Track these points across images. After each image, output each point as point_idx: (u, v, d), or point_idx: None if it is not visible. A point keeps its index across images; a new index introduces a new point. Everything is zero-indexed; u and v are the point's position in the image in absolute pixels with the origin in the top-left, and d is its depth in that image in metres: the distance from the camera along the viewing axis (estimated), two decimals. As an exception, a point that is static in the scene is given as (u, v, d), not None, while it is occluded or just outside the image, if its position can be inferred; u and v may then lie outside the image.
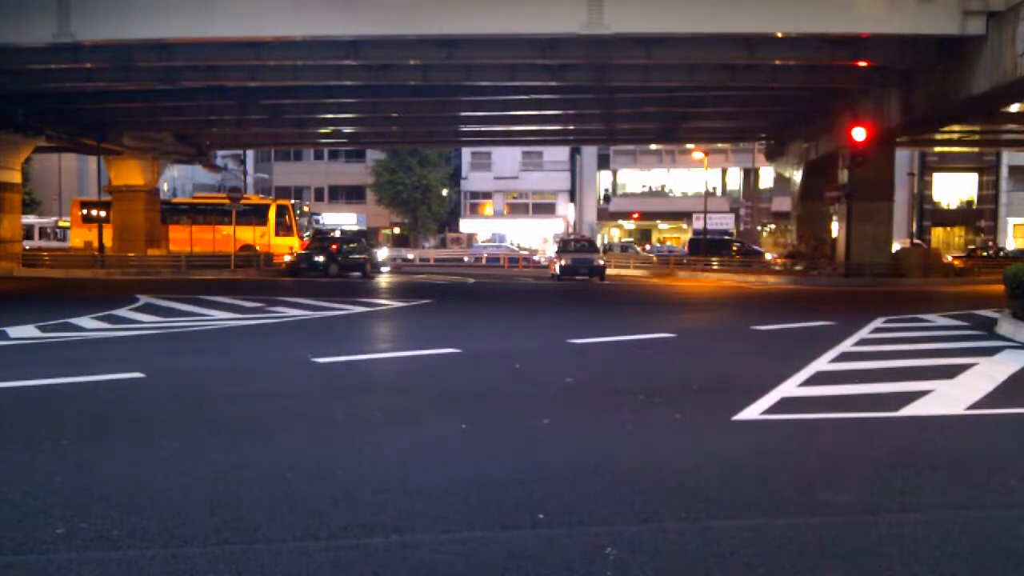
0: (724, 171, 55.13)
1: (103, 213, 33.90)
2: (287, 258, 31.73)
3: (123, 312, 14.55)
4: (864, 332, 11.81)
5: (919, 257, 30.00)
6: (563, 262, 28.80)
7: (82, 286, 22.35)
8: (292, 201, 42.04)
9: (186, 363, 9.43)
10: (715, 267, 33.95)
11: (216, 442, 5.84)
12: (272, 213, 36.24)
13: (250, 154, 55.20)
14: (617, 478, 4.95)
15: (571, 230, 51.64)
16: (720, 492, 4.70)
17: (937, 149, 43.81)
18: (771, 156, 36.79)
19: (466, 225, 55.46)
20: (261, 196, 46.55)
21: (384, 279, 28.08)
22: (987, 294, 19.46)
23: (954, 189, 49.52)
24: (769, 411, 6.65)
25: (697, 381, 8.48)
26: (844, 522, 4.21)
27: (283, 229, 35.90)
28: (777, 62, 20.68)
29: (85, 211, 36.58)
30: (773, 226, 52.68)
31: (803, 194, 32.66)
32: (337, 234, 36.37)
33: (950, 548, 3.94)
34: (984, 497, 4.71)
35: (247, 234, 34.38)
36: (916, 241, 42.56)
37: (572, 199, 56.80)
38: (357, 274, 29.06)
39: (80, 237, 36.37)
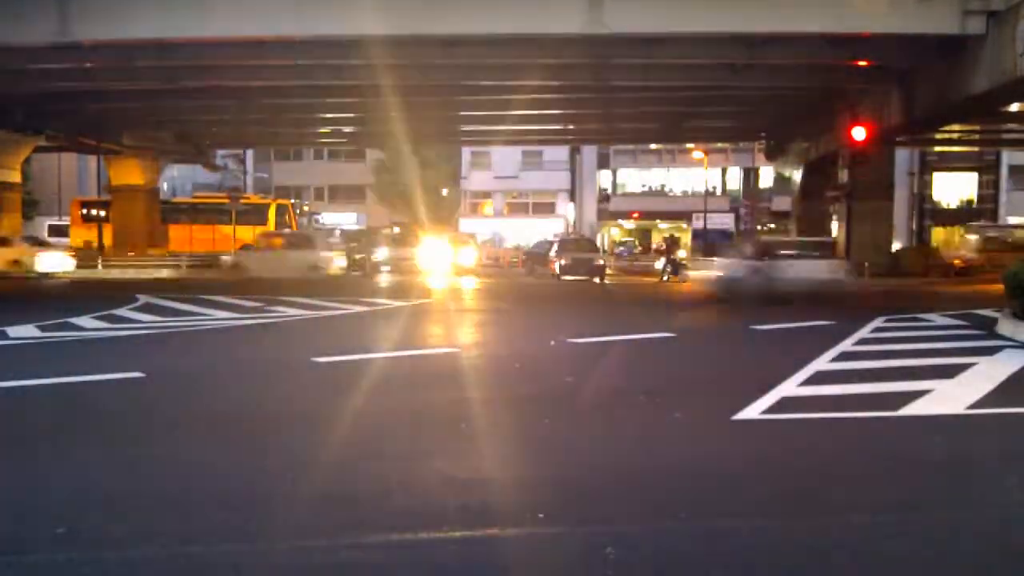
0: (724, 171, 55.08)
1: (103, 213, 33.92)
2: None
3: (123, 312, 14.54)
4: (864, 332, 11.80)
5: (919, 257, 30.01)
6: (563, 262, 28.78)
7: (82, 285, 22.33)
8: (292, 200, 42.03)
9: (186, 363, 9.43)
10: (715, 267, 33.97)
11: (216, 442, 5.84)
12: (272, 212, 36.24)
13: (250, 154, 55.19)
14: (617, 478, 4.96)
15: (571, 229, 51.61)
16: (720, 492, 4.70)
17: (937, 148, 43.77)
18: (771, 156, 36.77)
19: (466, 225, 55.43)
20: (261, 195, 46.55)
21: (385, 278, 28.08)
22: (987, 294, 19.44)
23: (954, 188, 49.47)
24: (769, 411, 6.65)
25: (697, 381, 8.48)
26: (844, 522, 4.21)
27: (283, 229, 35.91)
28: (777, 62, 20.67)
29: (85, 211, 36.57)
30: (773, 225, 52.66)
31: (803, 194, 32.65)
32: (338, 233, 36.38)
33: (950, 548, 3.94)
34: (984, 497, 4.72)
35: (247, 234, 34.38)
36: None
37: (572, 199, 56.77)
38: (358, 273, 29.09)
39: (80, 237, 36.36)
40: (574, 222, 55.64)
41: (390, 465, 5.23)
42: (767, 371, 8.26)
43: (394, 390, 7.91)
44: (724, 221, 49.27)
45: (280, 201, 39.01)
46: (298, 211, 42.74)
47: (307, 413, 6.72)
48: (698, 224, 48.12)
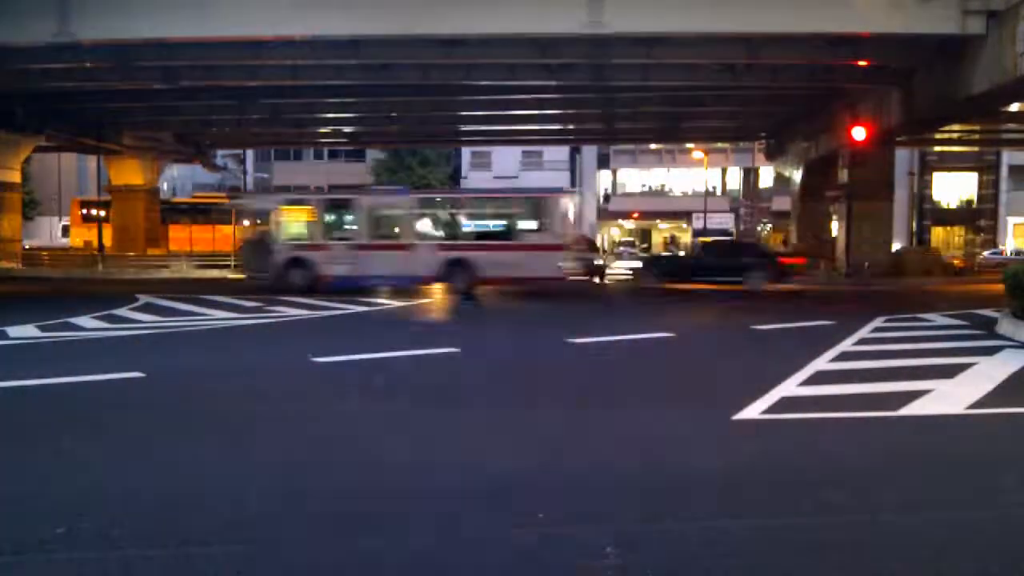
0: (724, 170, 55.09)
1: (103, 213, 33.93)
2: None
3: (123, 312, 14.54)
4: (864, 332, 11.81)
5: (919, 257, 30.02)
6: None
7: (82, 285, 22.33)
8: None
9: (186, 363, 9.43)
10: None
11: (216, 442, 5.84)
12: None
13: (250, 153, 55.11)
14: (617, 478, 4.96)
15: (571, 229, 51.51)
16: (720, 492, 4.70)
17: (937, 148, 43.77)
18: (771, 156, 36.76)
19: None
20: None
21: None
22: (987, 293, 19.45)
23: (954, 188, 49.46)
24: (769, 411, 6.65)
25: (697, 381, 8.48)
26: (844, 522, 4.21)
27: None
28: (777, 62, 20.67)
29: (85, 211, 36.58)
30: (771, 226, 52.68)
31: (803, 194, 32.63)
32: None
33: (950, 548, 3.94)
34: (984, 497, 4.71)
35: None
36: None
37: (572, 199, 56.75)
38: None
39: (80, 236, 36.38)
40: (574, 222, 55.58)
41: (390, 465, 5.23)
42: (767, 371, 8.27)
43: (394, 390, 7.90)
44: (724, 221, 49.30)
45: None
46: None
47: (307, 413, 6.72)
48: (698, 224, 48.11)
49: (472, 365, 9.38)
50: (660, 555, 3.79)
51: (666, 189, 56.59)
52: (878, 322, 13.05)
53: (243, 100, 26.44)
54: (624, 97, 26.84)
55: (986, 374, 8.26)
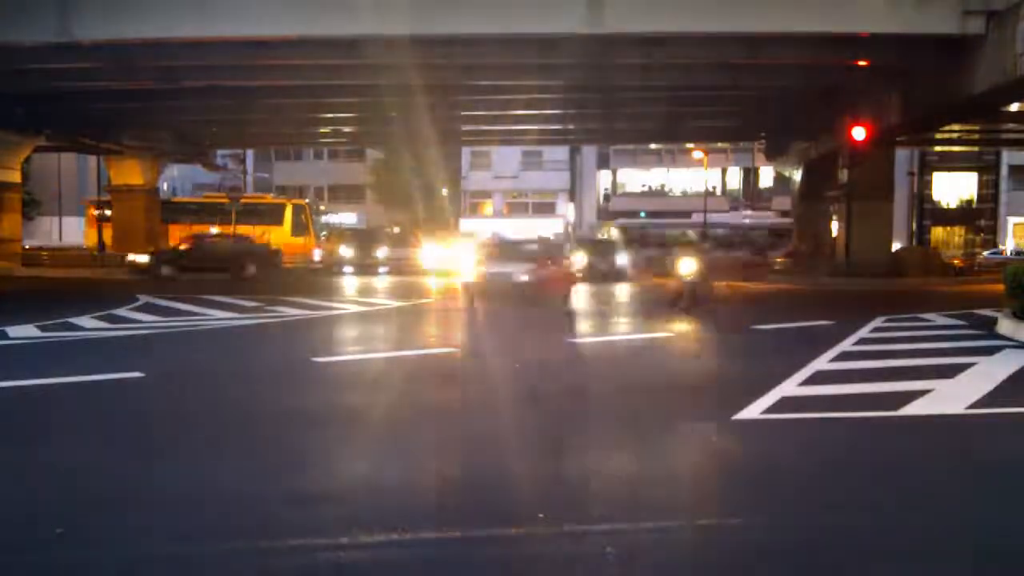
0: (724, 170, 55.09)
1: (107, 212, 34.03)
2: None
3: (123, 312, 14.53)
4: (864, 331, 11.81)
5: (919, 257, 30.03)
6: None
7: (82, 285, 22.33)
8: (307, 200, 42.22)
9: (186, 363, 9.43)
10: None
11: (216, 442, 5.84)
12: (288, 213, 36.45)
13: (250, 153, 55.17)
14: (617, 478, 4.96)
15: (570, 230, 51.59)
16: (720, 492, 4.70)
17: (937, 148, 43.77)
18: (771, 156, 36.74)
19: (466, 225, 55.48)
20: (273, 195, 46.81)
21: (385, 278, 28.05)
22: (987, 293, 19.45)
23: (954, 188, 49.48)
24: (769, 410, 6.65)
25: (697, 381, 8.48)
26: (844, 522, 4.21)
27: (299, 229, 36.09)
28: (777, 62, 20.66)
29: (99, 212, 36.66)
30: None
31: (803, 194, 32.65)
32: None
33: (950, 548, 3.95)
34: (984, 497, 4.72)
35: (250, 234, 34.36)
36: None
37: (572, 199, 56.79)
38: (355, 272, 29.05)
39: (93, 238, 36.48)
40: (574, 222, 55.63)
41: (390, 465, 5.23)
42: (767, 371, 8.27)
43: (393, 390, 7.90)
44: (725, 221, 49.32)
45: (296, 201, 39.04)
46: (314, 212, 43.01)
47: (306, 413, 6.72)
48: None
49: (472, 366, 9.38)
50: (660, 555, 3.79)
51: (666, 189, 56.60)
52: (878, 322, 13.04)
53: (243, 100, 26.44)
54: (624, 97, 26.81)
55: (986, 374, 8.26)
